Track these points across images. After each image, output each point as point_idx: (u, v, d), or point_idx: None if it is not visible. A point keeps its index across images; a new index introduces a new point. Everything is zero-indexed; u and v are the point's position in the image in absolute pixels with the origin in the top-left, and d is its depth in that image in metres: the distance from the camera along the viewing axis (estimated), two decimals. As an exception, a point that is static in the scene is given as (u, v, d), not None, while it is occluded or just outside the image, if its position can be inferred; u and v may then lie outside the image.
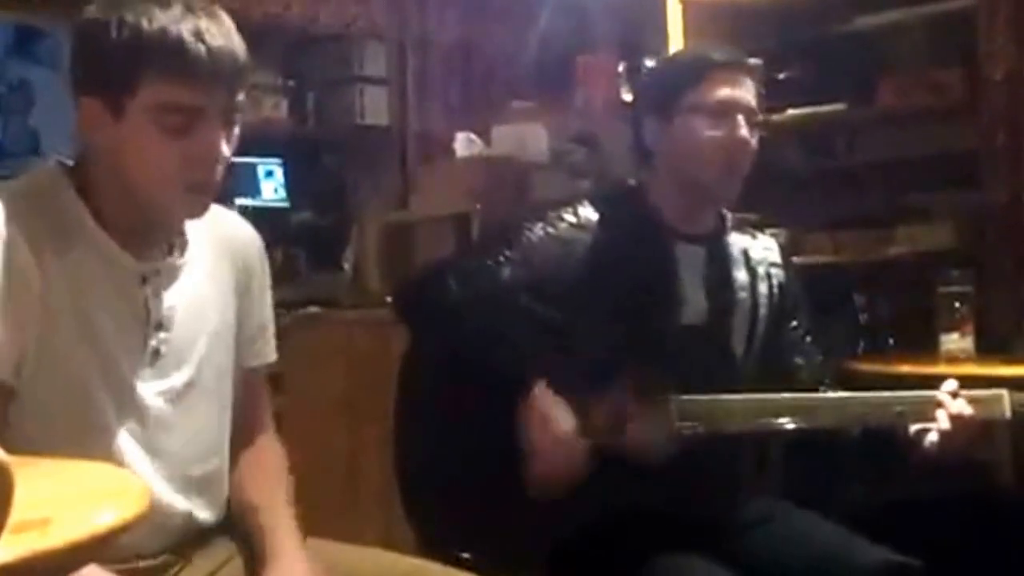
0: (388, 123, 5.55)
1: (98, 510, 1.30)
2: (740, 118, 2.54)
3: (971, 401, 2.41)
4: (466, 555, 2.40)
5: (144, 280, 1.97)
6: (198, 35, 1.84)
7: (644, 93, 2.75)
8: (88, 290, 1.91)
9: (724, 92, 2.55)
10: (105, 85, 1.88)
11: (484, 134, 5.02)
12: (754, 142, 2.58)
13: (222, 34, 1.87)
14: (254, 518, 2.11)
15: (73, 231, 1.92)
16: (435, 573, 2.13)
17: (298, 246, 5.08)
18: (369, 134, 5.51)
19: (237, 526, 2.14)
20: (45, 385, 1.87)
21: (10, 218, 1.84)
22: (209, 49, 1.84)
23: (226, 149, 1.93)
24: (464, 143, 5.03)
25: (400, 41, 5.56)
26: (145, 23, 1.84)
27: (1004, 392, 2.41)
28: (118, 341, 1.94)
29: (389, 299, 2.86)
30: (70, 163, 2.00)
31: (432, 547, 2.53)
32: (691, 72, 2.58)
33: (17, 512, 1.14)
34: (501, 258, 2.57)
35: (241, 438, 2.20)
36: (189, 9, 1.86)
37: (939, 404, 2.41)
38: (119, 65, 1.85)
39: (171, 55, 1.83)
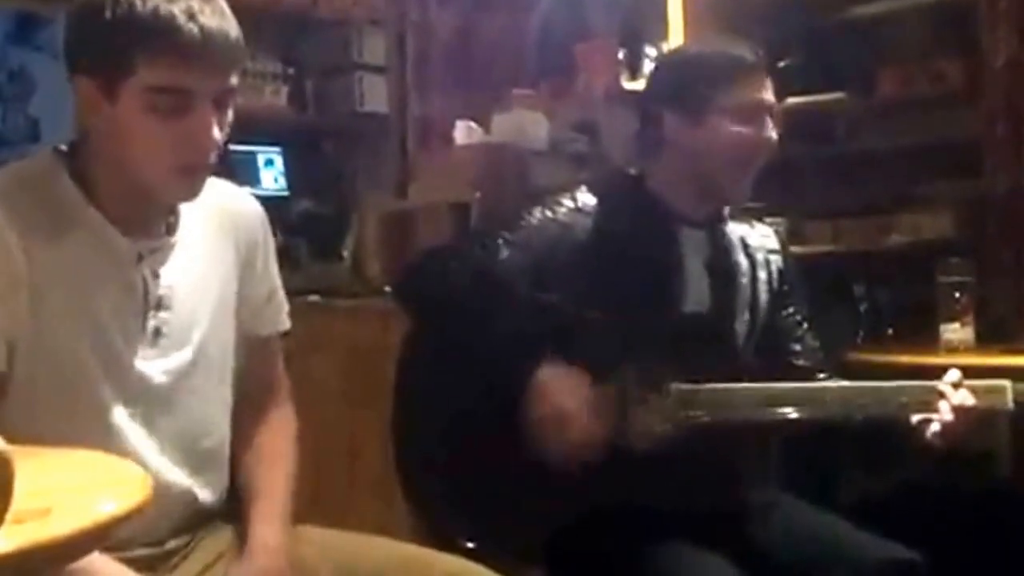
0: (387, 111, 5.54)
1: (98, 500, 1.30)
2: (767, 118, 2.58)
3: (973, 392, 2.40)
4: (471, 544, 2.40)
5: (140, 259, 1.98)
6: (191, 16, 1.83)
7: (665, 87, 2.69)
8: (82, 272, 1.92)
9: (755, 94, 2.57)
10: (99, 66, 1.88)
11: (484, 122, 5.01)
12: (776, 139, 2.60)
13: (216, 14, 1.87)
14: (248, 505, 2.12)
15: (67, 214, 1.92)
16: (433, 560, 2.13)
17: (298, 235, 5.06)
18: (368, 122, 5.50)
19: (235, 504, 2.14)
20: (40, 370, 1.88)
21: (5, 205, 1.85)
22: (202, 30, 1.84)
23: (218, 133, 1.92)
24: (464, 131, 5.02)
25: (399, 28, 5.54)
26: (139, 3, 1.83)
27: (1007, 383, 2.40)
28: (115, 322, 1.94)
29: (388, 288, 2.86)
30: (65, 147, 2.00)
31: (433, 534, 2.53)
32: (723, 73, 2.57)
33: (17, 502, 1.14)
34: (500, 241, 2.56)
35: (252, 409, 2.21)
36: None
37: (942, 395, 2.40)
38: (112, 46, 1.85)
39: (164, 37, 1.83)
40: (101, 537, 1.26)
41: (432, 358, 2.64)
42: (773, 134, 2.59)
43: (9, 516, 1.14)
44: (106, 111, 1.89)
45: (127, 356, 1.96)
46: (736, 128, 2.55)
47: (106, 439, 1.87)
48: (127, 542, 1.86)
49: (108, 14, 1.85)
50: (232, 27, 1.89)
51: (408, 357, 2.67)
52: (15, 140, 5.34)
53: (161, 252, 2.01)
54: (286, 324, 2.29)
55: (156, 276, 1.99)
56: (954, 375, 2.42)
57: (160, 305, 2.00)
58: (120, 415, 1.94)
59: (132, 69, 1.85)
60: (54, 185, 1.94)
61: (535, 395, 2.42)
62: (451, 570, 2.10)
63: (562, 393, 2.42)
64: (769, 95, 2.60)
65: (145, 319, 1.98)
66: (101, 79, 1.88)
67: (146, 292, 1.98)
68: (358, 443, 4.08)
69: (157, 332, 1.99)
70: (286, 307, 2.28)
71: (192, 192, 1.99)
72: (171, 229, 2.04)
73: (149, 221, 2.01)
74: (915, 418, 2.43)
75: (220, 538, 2.11)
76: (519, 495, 2.48)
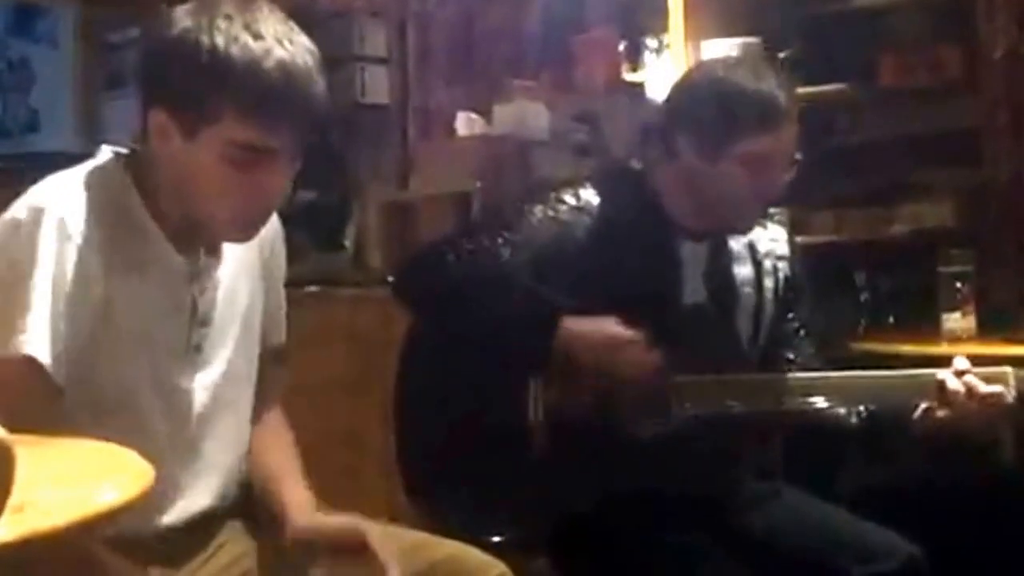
0: (389, 102, 5.54)
1: (99, 489, 1.29)
2: (784, 167, 2.51)
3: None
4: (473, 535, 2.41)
5: (192, 279, 1.97)
6: (287, 76, 1.80)
7: (684, 112, 2.55)
8: (144, 292, 1.91)
9: (778, 144, 2.47)
10: (182, 106, 1.83)
11: (485, 113, 5.02)
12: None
13: (309, 74, 1.83)
14: (272, 487, 2.13)
15: (136, 233, 1.91)
16: (430, 544, 2.14)
17: (299, 225, 5.06)
18: (370, 113, 5.50)
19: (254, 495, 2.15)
20: (96, 388, 1.87)
21: (83, 220, 1.83)
22: (295, 95, 1.81)
23: (288, 185, 1.91)
24: (465, 122, 5.03)
25: (400, 19, 5.54)
26: (236, 51, 1.79)
27: (1008, 369, 2.39)
28: (165, 341, 1.95)
29: (391, 278, 2.86)
30: (125, 151, 1.97)
31: (435, 525, 2.52)
32: (753, 120, 2.44)
33: (18, 491, 1.14)
34: (500, 239, 2.54)
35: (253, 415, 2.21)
36: (279, 40, 1.81)
37: (964, 385, 2.38)
38: (201, 91, 1.81)
39: (256, 97, 1.79)
40: (101, 526, 1.26)
41: (433, 354, 2.64)
42: (787, 178, 2.51)
43: (10, 505, 1.14)
44: (178, 146, 1.85)
45: (173, 374, 1.96)
46: (753, 174, 2.46)
47: (149, 457, 1.87)
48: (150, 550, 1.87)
49: (203, 57, 1.79)
50: (320, 86, 1.86)
51: (409, 352, 2.67)
52: (15, 131, 5.34)
53: (207, 269, 2.00)
54: (283, 338, 2.28)
55: (203, 293, 1.99)
56: (962, 362, 2.40)
57: (203, 321, 2.00)
58: (164, 434, 1.94)
59: (218, 118, 1.81)
60: (125, 201, 1.91)
61: (585, 333, 2.41)
62: (450, 554, 2.11)
63: (606, 325, 2.40)
64: (791, 143, 2.48)
65: (189, 336, 1.98)
66: (181, 118, 1.84)
67: (194, 310, 1.98)
68: (360, 433, 4.09)
69: (197, 348, 2.00)
70: (284, 322, 2.28)
71: (249, 238, 1.99)
72: (216, 249, 2.02)
73: (197, 242, 1.99)
74: (922, 407, 2.40)
75: (225, 532, 2.12)
76: (521, 487, 2.49)
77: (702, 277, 2.59)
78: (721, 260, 2.63)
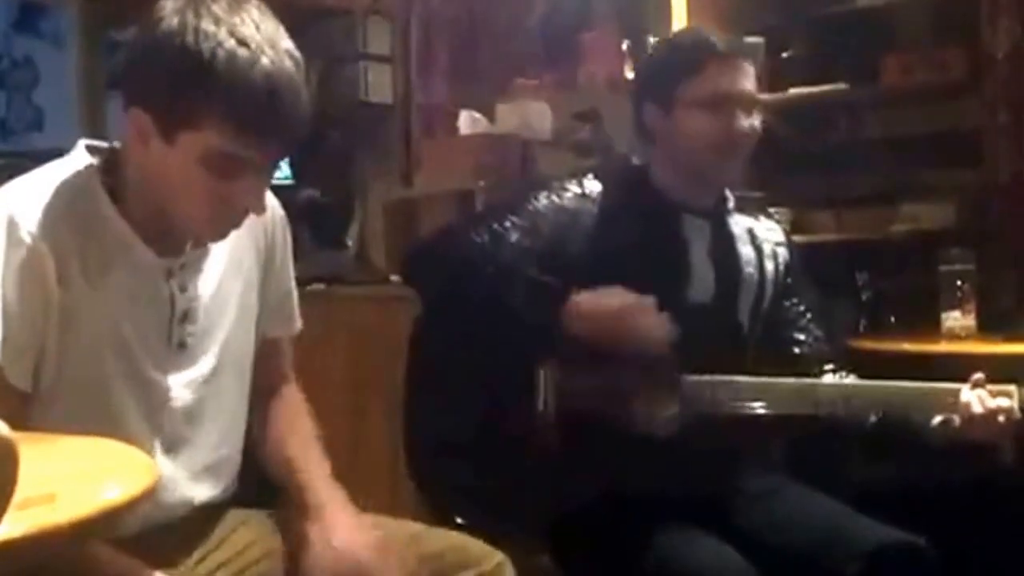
0: (392, 100, 5.55)
1: (104, 486, 1.30)
2: (739, 109, 2.56)
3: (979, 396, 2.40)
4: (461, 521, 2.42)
5: (169, 275, 1.95)
6: (272, 89, 1.77)
7: (643, 79, 2.75)
8: (113, 292, 1.89)
9: (722, 84, 2.56)
10: (163, 109, 1.80)
11: (488, 111, 5.02)
12: (755, 127, 2.59)
13: (294, 86, 1.80)
14: (291, 474, 2.12)
15: (101, 232, 1.88)
16: (431, 535, 2.16)
17: (302, 223, 5.07)
18: (373, 111, 5.51)
19: (273, 479, 2.15)
20: (67, 388, 1.86)
21: (35, 220, 1.81)
22: (280, 109, 1.78)
23: (264, 191, 1.91)
24: (468, 120, 5.03)
25: (404, 18, 5.55)
26: (221, 56, 1.75)
27: (1013, 388, 2.40)
28: (140, 339, 1.93)
29: (396, 275, 2.86)
30: (102, 145, 1.96)
31: (440, 518, 2.53)
32: (688, 63, 2.57)
33: (22, 488, 1.14)
34: (507, 223, 2.56)
35: (265, 395, 2.21)
36: (265, 48, 1.78)
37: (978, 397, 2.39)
38: (185, 99, 1.78)
39: (241, 110, 1.77)
40: (106, 523, 1.26)
41: (442, 345, 2.65)
42: (743, 124, 2.57)
43: (14, 502, 1.14)
44: (156, 147, 1.82)
45: (151, 372, 1.95)
46: (703, 119, 2.55)
47: None
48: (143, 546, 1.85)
49: (188, 64, 1.76)
50: (304, 99, 1.83)
51: (419, 339, 2.68)
52: (20, 129, 5.36)
53: (188, 266, 1.98)
54: (298, 326, 2.28)
55: (184, 290, 1.97)
56: (977, 376, 2.41)
57: (185, 318, 1.98)
58: (143, 431, 1.93)
59: (199, 126, 1.78)
60: (90, 201, 1.89)
61: (596, 301, 2.44)
62: (451, 544, 2.13)
63: (617, 294, 2.44)
64: (743, 84, 2.58)
65: (170, 333, 1.97)
66: (162, 120, 1.81)
67: (173, 307, 1.96)
68: (362, 431, 4.10)
69: (181, 345, 1.98)
70: (297, 309, 2.27)
71: (222, 238, 1.97)
72: (202, 244, 2.01)
73: (179, 239, 1.97)
74: (940, 418, 2.42)
75: (227, 522, 2.12)
76: (526, 479, 2.50)
77: (707, 253, 2.64)
78: (724, 237, 2.67)
